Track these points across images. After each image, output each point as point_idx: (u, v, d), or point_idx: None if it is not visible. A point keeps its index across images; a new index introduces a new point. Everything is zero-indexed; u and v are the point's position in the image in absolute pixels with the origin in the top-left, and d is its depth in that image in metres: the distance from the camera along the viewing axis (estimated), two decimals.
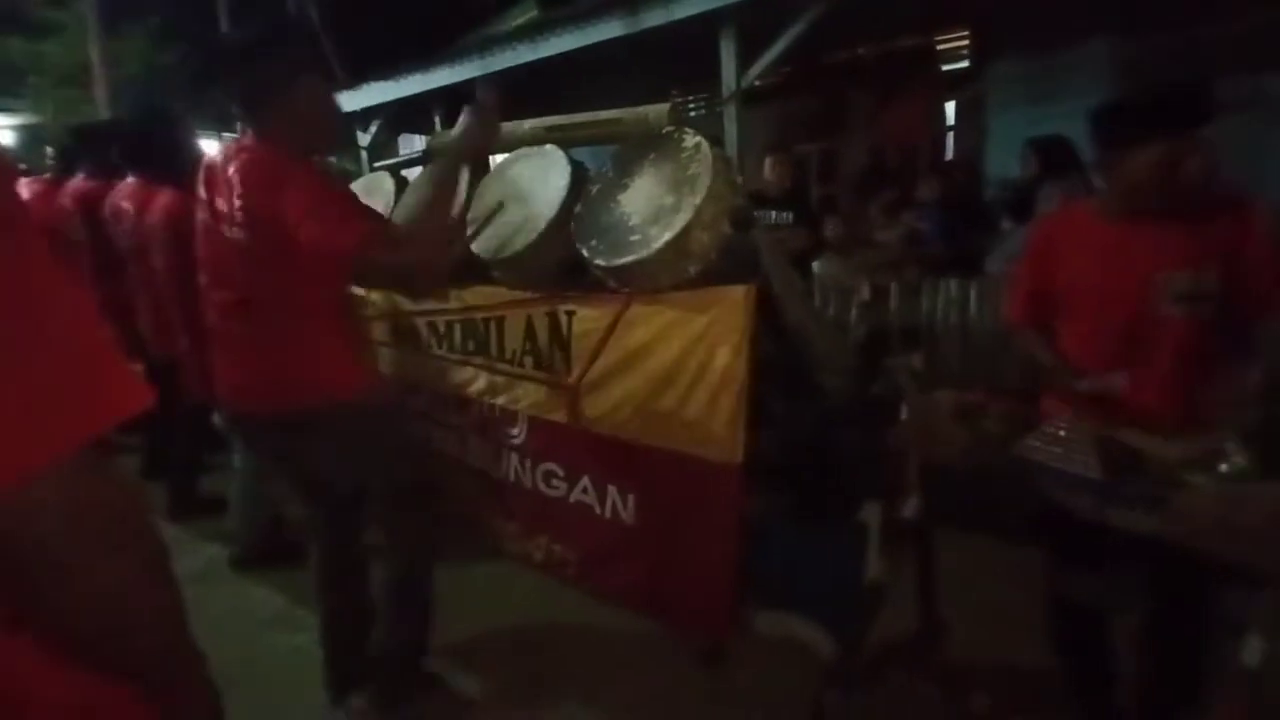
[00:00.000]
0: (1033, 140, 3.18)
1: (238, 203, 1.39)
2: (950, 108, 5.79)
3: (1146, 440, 1.31)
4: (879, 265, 3.71)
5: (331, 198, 1.36)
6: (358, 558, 1.78)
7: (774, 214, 3.83)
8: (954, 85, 5.52)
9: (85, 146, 3.25)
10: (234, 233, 1.42)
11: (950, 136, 5.87)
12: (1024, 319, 1.62)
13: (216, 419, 2.67)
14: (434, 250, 1.41)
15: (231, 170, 1.42)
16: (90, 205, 2.92)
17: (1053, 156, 3.02)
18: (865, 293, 3.07)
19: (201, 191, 1.52)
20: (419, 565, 1.74)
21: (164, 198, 2.43)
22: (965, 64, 5.32)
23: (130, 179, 2.64)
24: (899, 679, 1.68)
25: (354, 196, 1.46)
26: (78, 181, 3.16)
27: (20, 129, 10.17)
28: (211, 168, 1.51)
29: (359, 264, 1.33)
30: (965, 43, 5.28)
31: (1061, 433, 1.31)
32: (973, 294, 2.89)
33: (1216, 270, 1.33)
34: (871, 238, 4.12)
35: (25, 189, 3.49)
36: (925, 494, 1.57)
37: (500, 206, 2.00)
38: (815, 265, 3.66)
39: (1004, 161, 4.74)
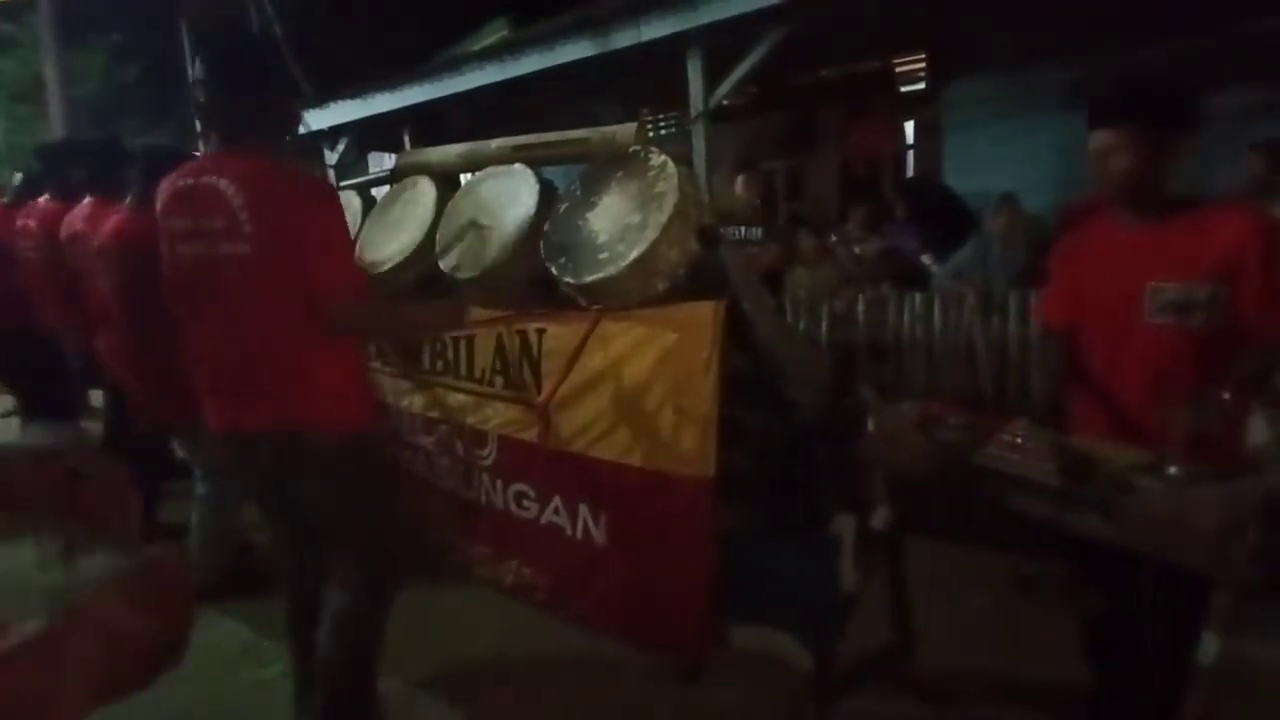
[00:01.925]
0: None
1: (244, 215, 1.36)
2: (910, 127, 5.98)
3: (1100, 445, 1.35)
4: (852, 279, 3.78)
5: (348, 239, 1.46)
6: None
7: (743, 230, 3.89)
8: (913, 106, 5.70)
9: (49, 168, 3.16)
10: (236, 247, 1.38)
11: (910, 155, 6.06)
12: (1055, 320, 1.59)
13: (176, 448, 2.60)
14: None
15: (224, 184, 1.38)
16: (51, 228, 2.84)
17: None
18: (835, 307, 3.13)
19: (176, 220, 1.45)
20: (379, 598, 1.63)
21: (116, 217, 2.36)
22: (922, 86, 5.51)
23: (88, 200, 2.56)
24: (875, 689, 1.69)
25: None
26: (41, 203, 3.07)
27: None
28: (180, 192, 1.45)
29: (344, 309, 1.41)
30: (922, 66, 5.47)
31: (1018, 440, 1.35)
32: (936, 308, 2.96)
33: (1211, 283, 1.29)
34: (850, 251, 4.20)
35: None
36: (898, 504, 1.59)
37: (472, 224, 2.00)
38: (787, 279, 3.73)
39: (962, 179, 4.91)
